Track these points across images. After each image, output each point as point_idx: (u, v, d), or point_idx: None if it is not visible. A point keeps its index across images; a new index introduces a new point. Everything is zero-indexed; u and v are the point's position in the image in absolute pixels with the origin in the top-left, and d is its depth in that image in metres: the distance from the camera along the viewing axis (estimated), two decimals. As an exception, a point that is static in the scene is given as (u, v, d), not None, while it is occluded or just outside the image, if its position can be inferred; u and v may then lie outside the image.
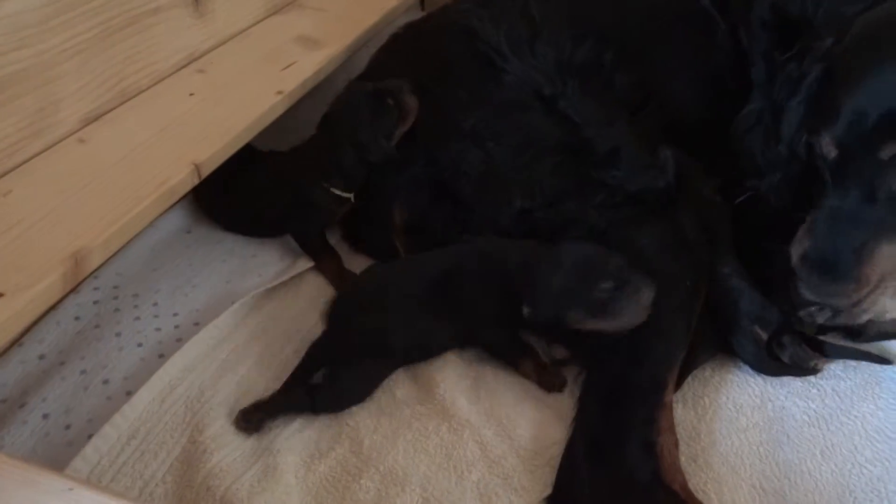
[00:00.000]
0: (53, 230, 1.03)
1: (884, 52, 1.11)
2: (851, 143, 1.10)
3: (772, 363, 1.23)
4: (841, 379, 1.23)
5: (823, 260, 1.12)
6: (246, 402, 1.18)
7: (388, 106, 1.34)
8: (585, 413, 1.14)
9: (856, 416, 1.17)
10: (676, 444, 1.11)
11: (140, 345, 1.26)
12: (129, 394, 1.16)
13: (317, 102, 1.59)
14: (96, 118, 1.24)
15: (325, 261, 1.44)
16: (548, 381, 1.20)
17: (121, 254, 1.39)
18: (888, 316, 1.27)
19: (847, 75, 1.13)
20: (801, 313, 1.17)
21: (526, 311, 1.16)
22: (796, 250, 1.16)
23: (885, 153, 1.07)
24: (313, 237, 1.45)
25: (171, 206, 1.29)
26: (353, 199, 1.40)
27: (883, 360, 1.24)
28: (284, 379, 1.19)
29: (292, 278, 1.42)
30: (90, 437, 1.09)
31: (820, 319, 1.16)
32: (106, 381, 1.19)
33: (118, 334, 1.27)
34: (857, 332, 1.27)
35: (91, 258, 1.02)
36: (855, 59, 1.14)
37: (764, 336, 1.22)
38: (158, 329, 1.29)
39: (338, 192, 1.38)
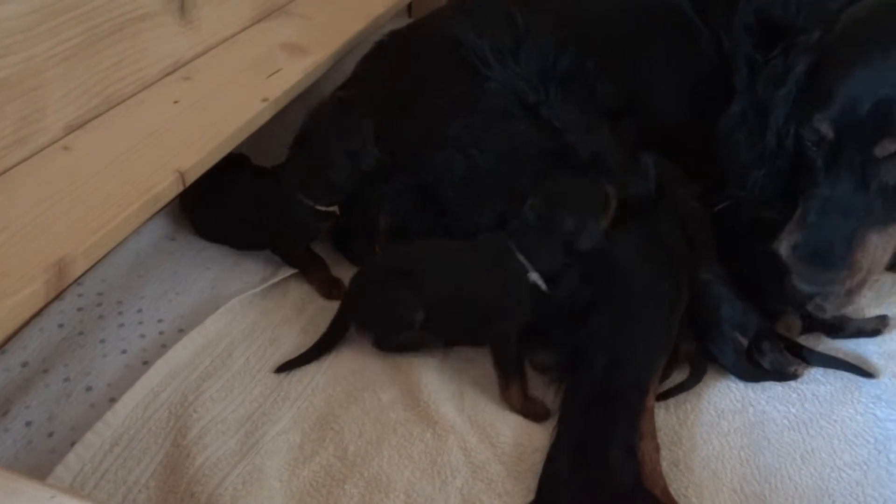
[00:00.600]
0: (37, 237, 1.03)
1: (873, 42, 1.13)
2: (845, 128, 1.12)
3: (752, 369, 1.24)
4: (821, 383, 1.25)
5: (816, 249, 1.13)
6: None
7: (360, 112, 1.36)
8: (568, 418, 1.14)
9: (835, 421, 1.19)
10: (658, 450, 1.12)
11: (124, 352, 1.26)
12: (113, 401, 1.16)
13: (304, 109, 1.60)
14: (81, 125, 1.24)
15: (312, 271, 1.45)
16: (532, 410, 1.20)
17: (105, 261, 1.39)
18: (867, 313, 1.30)
19: (838, 64, 1.15)
20: (809, 307, 1.18)
21: (532, 276, 1.21)
22: (787, 242, 1.17)
23: (880, 151, 1.09)
24: (298, 252, 1.45)
25: (156, 213, 1.29)
26: (337, 213, 1.41)
27: (865, 372, 1.24)
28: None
29: (277, 284, 1.42)
30: (73, 444, 1.09)
31: (830, 309, 1.17)
32: (89, 389, 1.19)
33: (102, 341, 1.27)
34: (838, 328, 1.29)
35: (74, 266, 1.02)
36: (844, 49, 1.16)
37: (744, 342, 1.23)
38: (143, 336, 1.29)
39: (322, 207, 1.38)
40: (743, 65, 1.48)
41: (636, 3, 1.59)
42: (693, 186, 1.45)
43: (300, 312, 1.38)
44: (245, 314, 1.35)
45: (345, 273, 1.45)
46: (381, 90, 1.44)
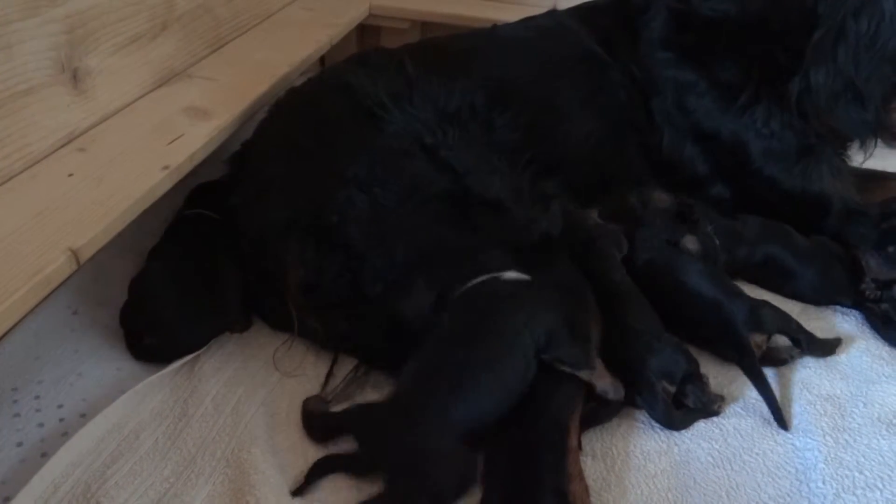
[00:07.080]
0: (-90, 333, 0.96)
1: None
2: None
3: (680, 417, 1.24)
4: (742, 417, 1.26)
5: None
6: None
7: None
8: (494, 468, 1.12)
9: (757, 454, 1.20)
10: (587, 491, 1.11)
11: (20, 444, 1.17)
12: (7, 500, 1.07)
13: (210, 174, 1.57)
14: (-37, 209, 1.17)
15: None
16: None
17: (-2, 344, 1.31)
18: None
19: None
20: None
21: None
22: None
23: None
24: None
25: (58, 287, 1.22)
26: None
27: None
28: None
29: (187, 362, 1.34)
30: (-38, 554, 1.01)
31: None
32: (-20, 491, 1.11)
33: (-5, 436, 1.19)
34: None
35: (-48, 360, 0.95)
36: None
37: (672, 390, 1.23)
38: (41, 425, 1.20)
39: None
40: (668, 87, 1.54)
41: (538, 44, 1.64)
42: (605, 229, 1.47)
43: (209, 379, 1.31)
44: (154, 393, 1.27)
45: (265, 338, 1.40)
46: (279, 144, 1.43)
